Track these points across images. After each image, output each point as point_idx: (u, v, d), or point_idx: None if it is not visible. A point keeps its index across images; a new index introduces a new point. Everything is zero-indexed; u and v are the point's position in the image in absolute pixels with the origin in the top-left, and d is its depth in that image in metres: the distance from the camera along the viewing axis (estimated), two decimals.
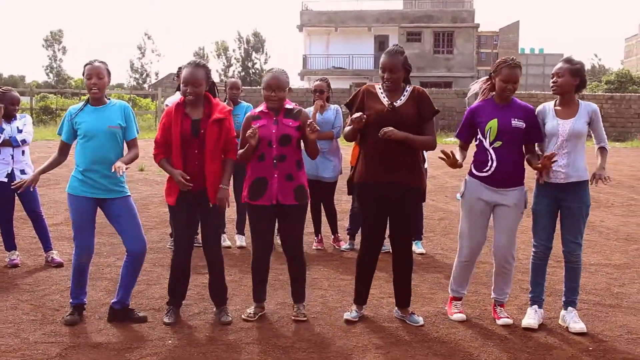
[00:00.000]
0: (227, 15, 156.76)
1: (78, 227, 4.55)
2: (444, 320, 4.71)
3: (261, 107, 4.65)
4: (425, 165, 4.83)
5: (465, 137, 4.71)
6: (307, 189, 4.69)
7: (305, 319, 4.63)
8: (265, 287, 4.79)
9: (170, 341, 4.23)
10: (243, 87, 7.24)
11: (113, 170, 4.33)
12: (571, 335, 4.44)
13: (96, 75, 4.46)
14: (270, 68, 4.72)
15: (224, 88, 6.84)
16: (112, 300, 4.63)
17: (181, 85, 4.47)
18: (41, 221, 6.17)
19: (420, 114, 4.50)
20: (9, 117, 5.98)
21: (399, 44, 4.77)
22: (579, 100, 4.60)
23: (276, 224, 4.83)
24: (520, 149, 4.62)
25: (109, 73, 4.56)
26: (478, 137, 4.61)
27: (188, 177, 4.36)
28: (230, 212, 7.67)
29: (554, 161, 4.41)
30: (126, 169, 4.36)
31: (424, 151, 5.24)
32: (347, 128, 4.58)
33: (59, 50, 74.15)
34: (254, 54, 76.19)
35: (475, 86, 4.88)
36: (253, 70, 74.52)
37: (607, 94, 30.92)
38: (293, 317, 4.65)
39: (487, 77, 4.74)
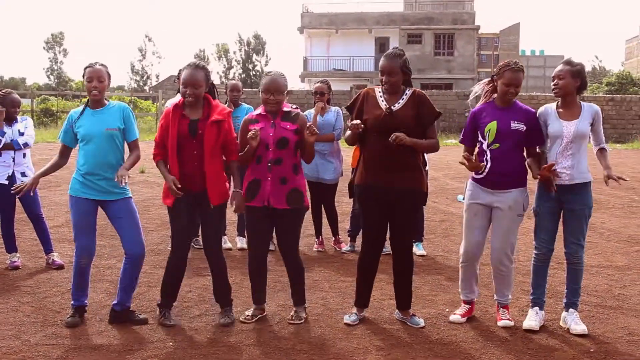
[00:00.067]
0: (227, 17, 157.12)
1: (78, 229, 4.56)
2: (445, 322, 4.70)
3: (259, 110, 4.64)
4: (427, 167, 4.82)
5: (469, 142, 4.69)
6: (304, 192, 4.66)
7: (300, 322, 4.62)
8: (264, 289, 4.78)
9: (171, 343, 4.23)
10: (243, 89, 7.24)
11: (116, 180, 4.35)
12: (572, 337, 4.44)
13: (97, 79, 4.48)
14: (269, 71, 4.71)
15: (224, 90, 6.85)
16: (113, 302, 4.63)
17: (181, 87, 4.47)
18: (42, 223, 6.17)
19: (420, 117, 4.50)
20: (10, 120, 5.99)
21: (400, 46, 4.79)
22: (581, 102, 4.60)
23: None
24: (521, 152, 4.62)
25: (109, 76, 4.58)
26: (479, 139, 4.61)
27: (179, 186, 4.36)
28: (231, 214, 7.68)
29: (554, 170, 4.41)
30: (129, 177, 4.38)
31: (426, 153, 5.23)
32: (347, 133, 4.59)
33: (59, 52, 74.15)
34: (254, 56, 76.23)
35: (477, 88, 4.88)
36: (253, 73, 74.55)
37: (607, 95, 30.91)
38: (288, 321, 4.65)
39: (489, 79, 4.74)
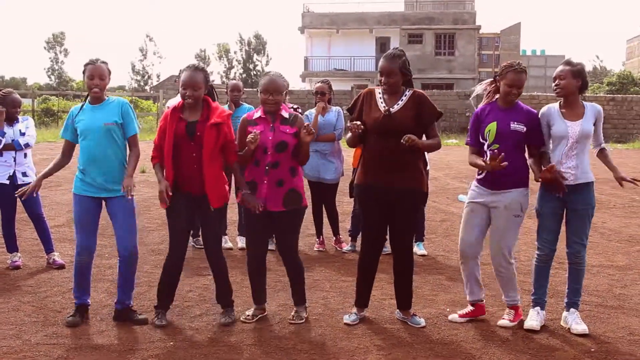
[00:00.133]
0: (228, 17, 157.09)
1: (79, 227, 4.58)
2: (445, 322, 4.70)
3: (258, 113, 4.62)
4: (427, 168, 4.82)
5: (476, 143, 4.68)
6: (302, 192, 4.65)
7: (301, 322, 4.62)
8: (264, 289, 4.78)
9: (171, 343, 4.23)
10: (244, 89, 7.24)
11: (123, 191, 4.38)
12: (573, 336, 4.44)
13: (98, 77, 4.48)
14: (268, 71, 4.71)
15: (225, 90, 6.85)
16: (115, 301, 4.65)
17: (180, 89, 4.46)
18: (43, 223, 6.18)
19: (420, 118, 4.50)
20: (11, 120, 5.99)
21: (401, 46, 4.80)
22: (583, 102, 4.60)
23: None
24: (521, 152, 4.61)
25: (109, 73, 4.59)
26: (480, 139, 4.62)
27: (170, 193, 4.35)
28: (232, 214, 7.68)
29: (558, 171, 4.41)
30: (134, 186, 4.42)
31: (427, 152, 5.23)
32: (348, 135, 4.60)
33: (60, 52, 74.17)
34: (255, 56, 76.24)
35: (479, 88, 4.87)
36: (254, 72, 74.53)
37: (608, 95, 30.91)
38: (289, 320, 4.65)
39: (492, 79, 4.74)
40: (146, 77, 75.54)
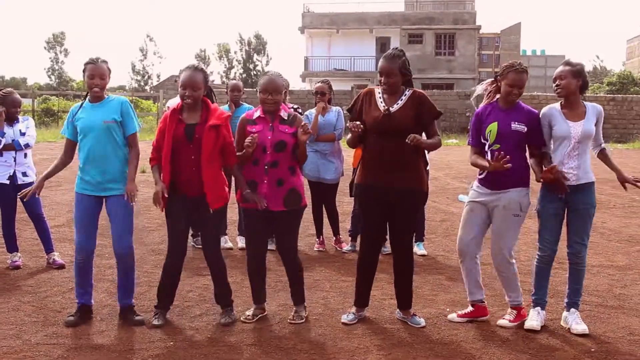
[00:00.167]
0: (228, 17, 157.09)
1: (78, 225, 4.59)
2: (445, 322, 4.70)
3: (258, 112, 4.62)
4: (428, 167, 4.82)
5: (478, 143, 4.67)
6: (302, 192, 4.65)
7: (301, 321, 4.62)
8: (264, 289, 4.78)
9: (171, 343, 4.23)
10: (244, 89, 7.24)
11: (125, 198, 4.39)
12: (573, 336, 4.44)
13: (99, 76, 4.48)
14: (267, 71, 4.71)
15: (225, 90, 6.85)
16: (117, 299, 4.68)
17: (179, 89, 4.46)
18: (43, 223, 6.18)
19: (420, 118, 4.50)
20: (11, 120, 5.99)
21: (401, 46, 4.79)
22: (584, 102, 4.60)
23: None
24: (522, 152, 4.61)
25: (110, 72, 4.59)
26: (482, 140, 4.62)
27: (167, 196, 4.36)
28: (232, 214, 7.68)
29: (561, 172, 4.41)
30: (137, 190, 4.46)
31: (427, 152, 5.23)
32: (349, 136, 4.60)
33: (60, 52, 74.18)
34: (255, 56, 76.24)
35: (480, 88, 4.87)
36: (254, 72, 74.52)
37: (608, 95, 30.89)
38: (289, 320, 4.65)
39: (493, 79, 4.74)
40: (146, 77, 75.57)
